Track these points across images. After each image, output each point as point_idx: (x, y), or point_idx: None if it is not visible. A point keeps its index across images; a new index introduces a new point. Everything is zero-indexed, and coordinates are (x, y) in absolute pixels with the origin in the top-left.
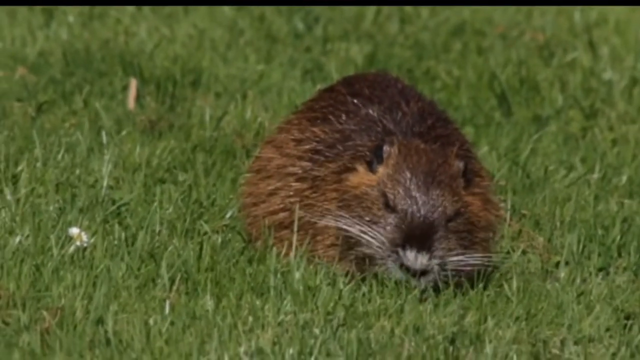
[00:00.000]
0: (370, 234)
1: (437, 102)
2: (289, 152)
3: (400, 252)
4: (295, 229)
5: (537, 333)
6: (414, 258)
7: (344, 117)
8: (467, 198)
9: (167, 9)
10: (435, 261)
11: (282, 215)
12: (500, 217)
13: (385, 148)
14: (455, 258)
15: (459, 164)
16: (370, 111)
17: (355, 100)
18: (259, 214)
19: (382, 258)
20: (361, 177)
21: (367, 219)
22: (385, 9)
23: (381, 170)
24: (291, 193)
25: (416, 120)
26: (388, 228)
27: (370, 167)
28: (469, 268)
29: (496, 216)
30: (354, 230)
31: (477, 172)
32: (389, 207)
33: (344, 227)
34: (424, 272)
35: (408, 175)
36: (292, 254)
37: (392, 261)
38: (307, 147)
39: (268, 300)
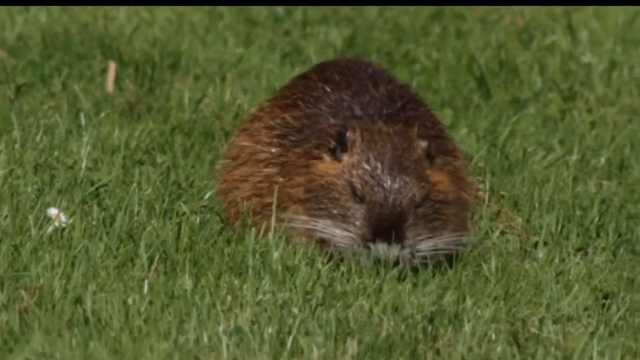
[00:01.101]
0: (340, 233)
1: (413, 86)
2: (261, 139)
3: (372, 247)
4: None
5: (516, 312)
6: (386, 250)
7: (312, 102)
8: (434, 178)
9: None
10: (406, 250)
11: (254, 200)
12: (476, 197)
13: (348, 135)
14: (426, 244)
15: (422, 144)
16: (339, 96)
17: (324, 86)
18: (232, 200)
19: (354, 255)
20: (327, 166)
21: (335, 211)
22: None
23: (346, 158)
24: (261, 179)
25: (385, 102)
26: (357, 223)
27: (335, 155)
28: (442, 252)
29: (471, 195)
30: (325, 232)
31: (450, 151)
32: (357, 196)
33: (314, 229)
34: (396, 262)
35: (374, 163)
36: (269, 236)
37: (364, 256)
38: (277, 132)
39: (247, 280)
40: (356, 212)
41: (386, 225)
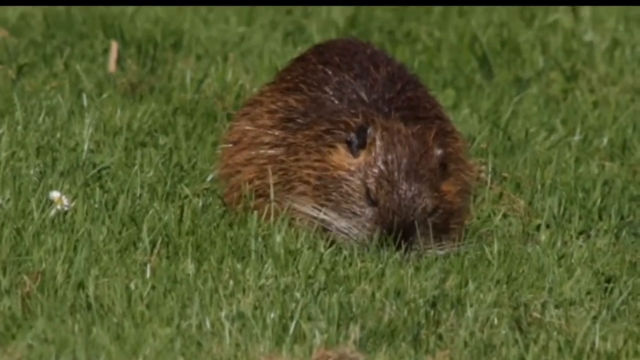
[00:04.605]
0: (349, 230)
1: (415, 66)
2: (263, 123)
3: (380, 251)
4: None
5: (518, 296)
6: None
7: (315, 85)
8: (444, 187)
9: None
10: (413, 257)
11: (257, 182)
12: (478, 179)
13: (369, 132)
14: (431, 252)
15: (438, 152)
16: (341, 78)
17: (325, 68)
18: (235, 184)
19: (359, 247)
20: (342, 159)
21: (345, 207)
22: None
23: (363, 156)
24: (265, 160)
25: (386, 85)
26: (368, 225)
27: (350, 148)
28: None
29: (471, 178)
30: (334, 224)
31: (449, 133)
32: (370, 199)
33: (323, 218)
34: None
35: (391, 167)
36: (272, 219)
37: (369, 250)
38: (280, 116)
39: (249, 264)
40: (368, 214)
41: (397, 232)
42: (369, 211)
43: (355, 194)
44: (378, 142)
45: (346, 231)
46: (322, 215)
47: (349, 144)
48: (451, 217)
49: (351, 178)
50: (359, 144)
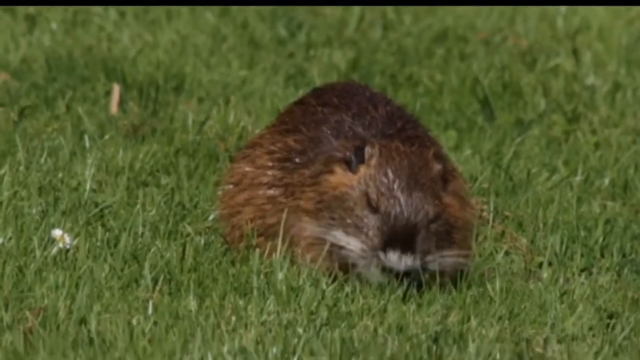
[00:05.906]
0: (351, 241)
1: (416, 108)
2: (262, 164)
3: (382, 256)
4: (282, 233)
5: (520, 332)
6: (398, 260)
7: (313, 125)
8: (446, 200)
9: (151, 15)
10: (417, 262)
11: (258, 222)
12: (480, 217)
13: (367, 149)
14: (434, 256)
15: (438, 166)
16: (339, 117)
17: (323, 109)
18: (236, 224)
19: (364, 264)
20: (340, 178)
21: (349, 221)
22: (368, 15)
23: (362, 170)
24: (264, 200)
25: (385, 123)
26: (370, 232)
27: (350, 167)
28: (449, 267)
29: (471, 215)
30: (334, 239)
31: (449, 172)
32: (372, 206)
33: (323, 236)
34: (406, 273)
35: (391, 176)
36: (274, 257)
37: (374, 265)
38: (279, 156)
39: (251, 301)
40: (370, 222)
41: (399, 236)
42: (370, 219)
43: (357, 206)
44: (377, 156)
45: (350, 246)
46: (323, 234)
47: (347, 163)
48: (454, 230)
49: (352, 191)
50: (357, 162)
